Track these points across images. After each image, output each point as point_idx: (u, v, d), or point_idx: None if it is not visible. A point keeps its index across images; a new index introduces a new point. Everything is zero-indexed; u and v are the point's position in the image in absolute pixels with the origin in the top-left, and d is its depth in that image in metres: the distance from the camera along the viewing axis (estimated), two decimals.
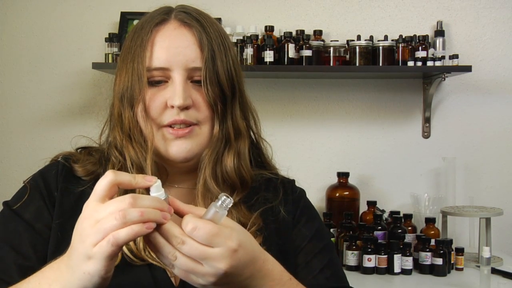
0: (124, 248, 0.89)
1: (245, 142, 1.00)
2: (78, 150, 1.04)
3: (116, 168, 0.95)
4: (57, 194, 0.96)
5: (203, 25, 0.96)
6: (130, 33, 1.00)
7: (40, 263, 0.89)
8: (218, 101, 0.95)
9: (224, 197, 0.76)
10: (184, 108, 0.92)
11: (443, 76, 2.26)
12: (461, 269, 2.07)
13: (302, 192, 1.09)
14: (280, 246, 0.98)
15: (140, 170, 0.93)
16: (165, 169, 0.98)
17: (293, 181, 1.10)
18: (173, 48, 0.93)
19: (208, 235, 0.73)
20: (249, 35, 2.33)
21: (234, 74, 0.97)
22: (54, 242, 0.92)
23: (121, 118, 0.95)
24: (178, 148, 0.94)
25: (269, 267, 0.83)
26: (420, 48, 2.30)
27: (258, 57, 2.30)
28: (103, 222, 0.70)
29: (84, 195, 0.94)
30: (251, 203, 0.99)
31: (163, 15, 0.97)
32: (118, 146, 0.96)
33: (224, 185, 0.96)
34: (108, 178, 0.73)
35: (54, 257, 0.89)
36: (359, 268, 2.05)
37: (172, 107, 0.92)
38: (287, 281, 0.86)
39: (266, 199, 1.01)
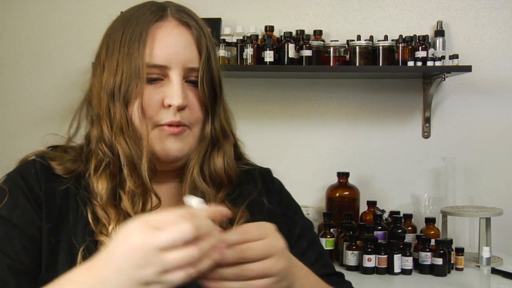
0: None
1: (231, 140, 1.01)
2: (50, 149, 1.02)
3: (104, 164, 0.92)
4: (42, 194, 0.92)
5: (200, 26, 0.96)
6: (117, 26, 0.98)
7: (34, 266, 0.88)
8: (211, 102, 0.96)
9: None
10: (180, 108, 0.92)
11: (443, 76, 2.26)
12: (461, 269, 2.07)
13: (280, 182, 1.11)
14: None
15: (133, 165, 0.91)
16: (153, 165, 0.96)
17: (270, 170, 1.12)
18: (173, 47, 0.93)
19: (257, 231, 0.75)
20: (249, 35, 2.33)
21: (220, 74, 0.98)
22: (48, 247, 0.89)
23: (110, 113, 0.92)
24: (171, 145, 0.93)
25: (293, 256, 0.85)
26: (420, 48, 2.30)
27: (258, 57, 2.30)
28: (177, 253, 0.65)
29: (69, 193, 0.93)
30: (234, 197, 1.00)
31: (160, 12, 0.96)
32: (107, 141, 0.93)
33: (211, 183, 0.97)
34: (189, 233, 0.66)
35: (48, 261, 0.88)
36: (359, 268, 2.05)
37: (169, 106, 0.92)
38: (308, 270, 0.89)
39: (248, 191, 1.02)
